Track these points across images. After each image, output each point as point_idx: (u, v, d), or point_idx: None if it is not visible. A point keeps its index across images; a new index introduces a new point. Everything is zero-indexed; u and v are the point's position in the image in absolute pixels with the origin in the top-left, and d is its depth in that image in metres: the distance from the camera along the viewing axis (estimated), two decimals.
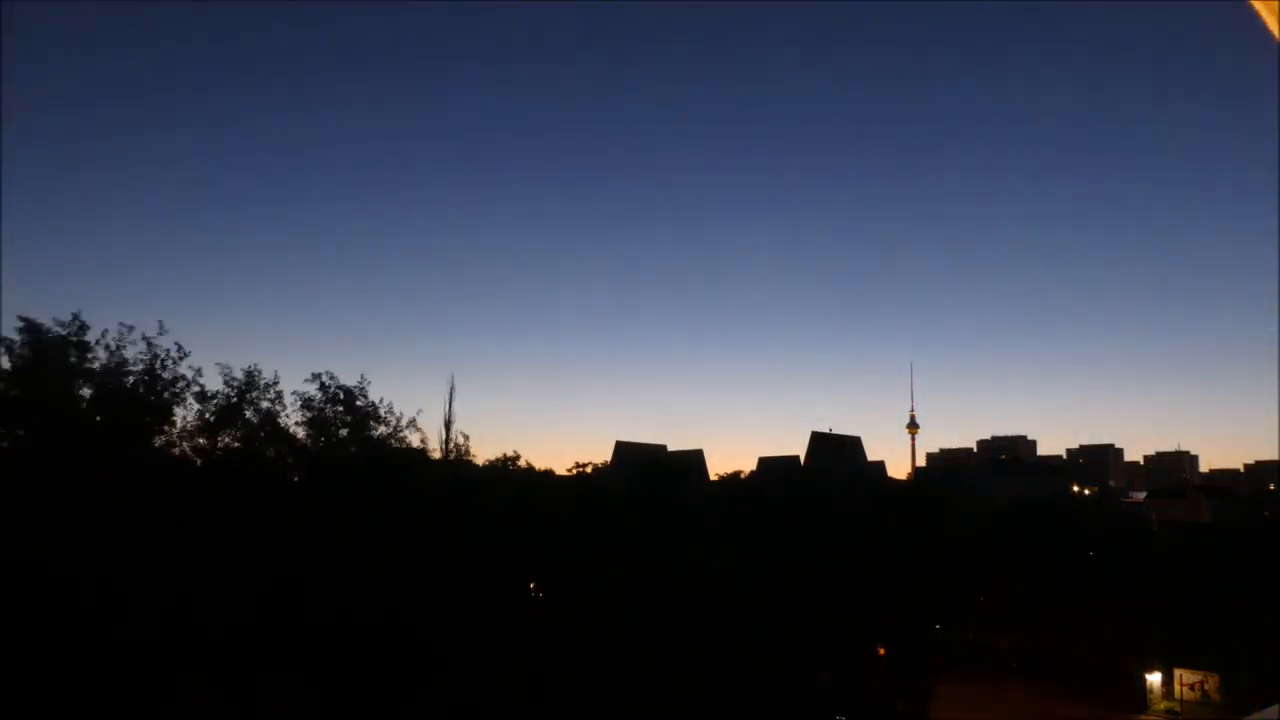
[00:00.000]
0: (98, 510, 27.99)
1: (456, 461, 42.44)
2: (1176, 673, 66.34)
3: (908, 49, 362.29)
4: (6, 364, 30.22)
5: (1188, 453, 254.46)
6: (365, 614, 32.02)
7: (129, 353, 31.42)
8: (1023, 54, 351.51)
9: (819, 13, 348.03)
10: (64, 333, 30.39)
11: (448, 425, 41.88)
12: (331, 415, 36.60)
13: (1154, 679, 65.95)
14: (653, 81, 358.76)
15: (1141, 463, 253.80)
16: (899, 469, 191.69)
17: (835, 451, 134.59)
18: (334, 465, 36.38)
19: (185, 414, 33.69)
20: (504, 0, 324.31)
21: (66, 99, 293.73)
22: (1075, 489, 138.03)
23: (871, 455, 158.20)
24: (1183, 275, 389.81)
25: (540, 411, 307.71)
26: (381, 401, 37.43)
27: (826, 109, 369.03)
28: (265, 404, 35.00)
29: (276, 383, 35.37)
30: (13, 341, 29.89)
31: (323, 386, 36.48)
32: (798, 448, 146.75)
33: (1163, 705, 65.38)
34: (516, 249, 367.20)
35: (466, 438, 42.18)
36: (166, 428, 33.41)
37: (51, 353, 30.07)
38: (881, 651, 55.40)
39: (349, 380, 37.32)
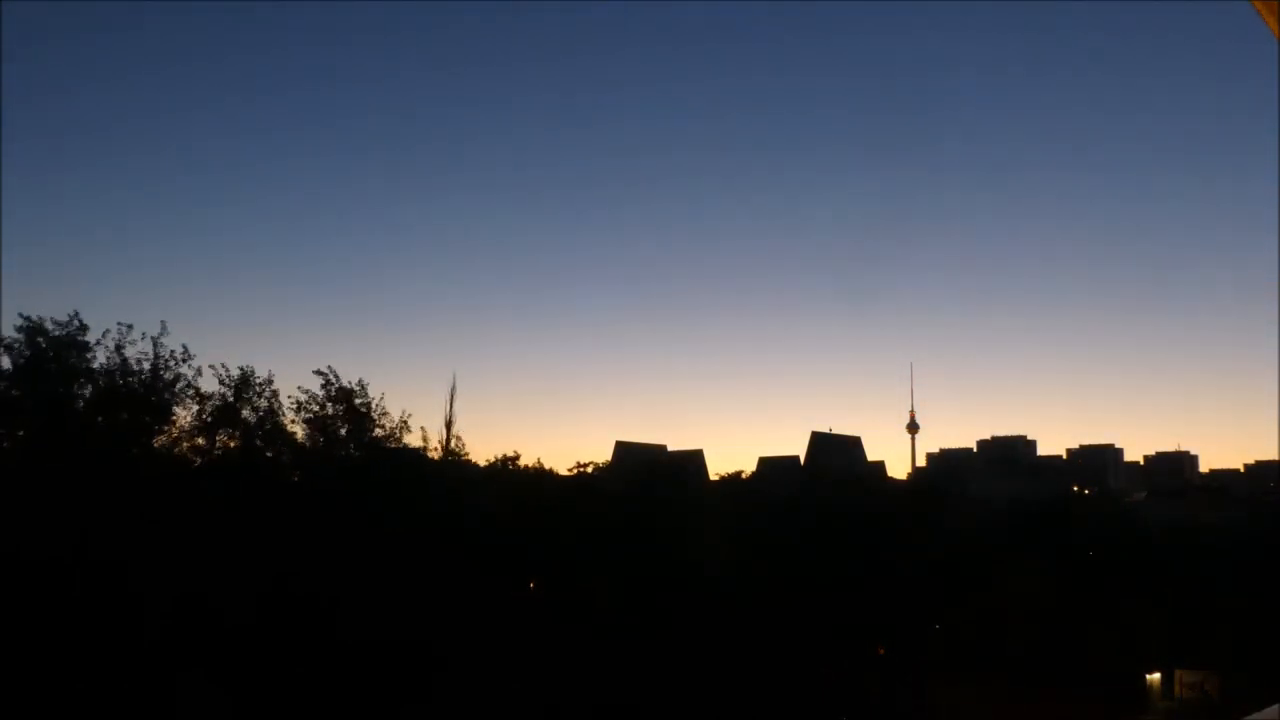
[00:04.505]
0: (97, 510, 27.99)
1: (456, 461, 42.46)
2: (1176, 673, 66.34)
3: (908, 47, 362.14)
4: (7, 364, 30.25)
5: (1188, 453, 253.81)
6: (365, 614, 32.03)
7: (130, 353, 31.46)
8: (1022, 53, 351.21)
9: (819, 9, 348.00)
10: (63, 332, 30.39)
11: (448, 425, 41.91)
12: (331, 415, 36.62)
13: (1154, 679, 65.98)
14: (653, 81, 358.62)
15: (1141, 463, 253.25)
16: (899, 469, 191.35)
17: (835, 451, 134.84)
18: (333, 465, 36.41)
19: (185, 414, 33.74)
20: (504, 0, 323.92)
21: (66, 97, 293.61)
22: (1075, 489, 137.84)
23: (871, 455, 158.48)
24: (1183, 275, 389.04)
25: (540, 411, 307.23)
26: (379, 401, 37.47)
27: (824, 107, 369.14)
28: (263, 403, 35.03)
29: (272, 382, 35.41)
30: (13, 341, 29.90)
31: (326, 383, 36.56)
32: (798, 448, 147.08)
33: (1162, 705, 65.42)
34: (517, 249, 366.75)
35: (459, 439, 42.14)
36: (166, 428, 33.44)
37: (51, 353, 30.07)
38: (881, 651, 55.42)
39: (349, 380, 37.36)
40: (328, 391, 36.38)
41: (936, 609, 58.17)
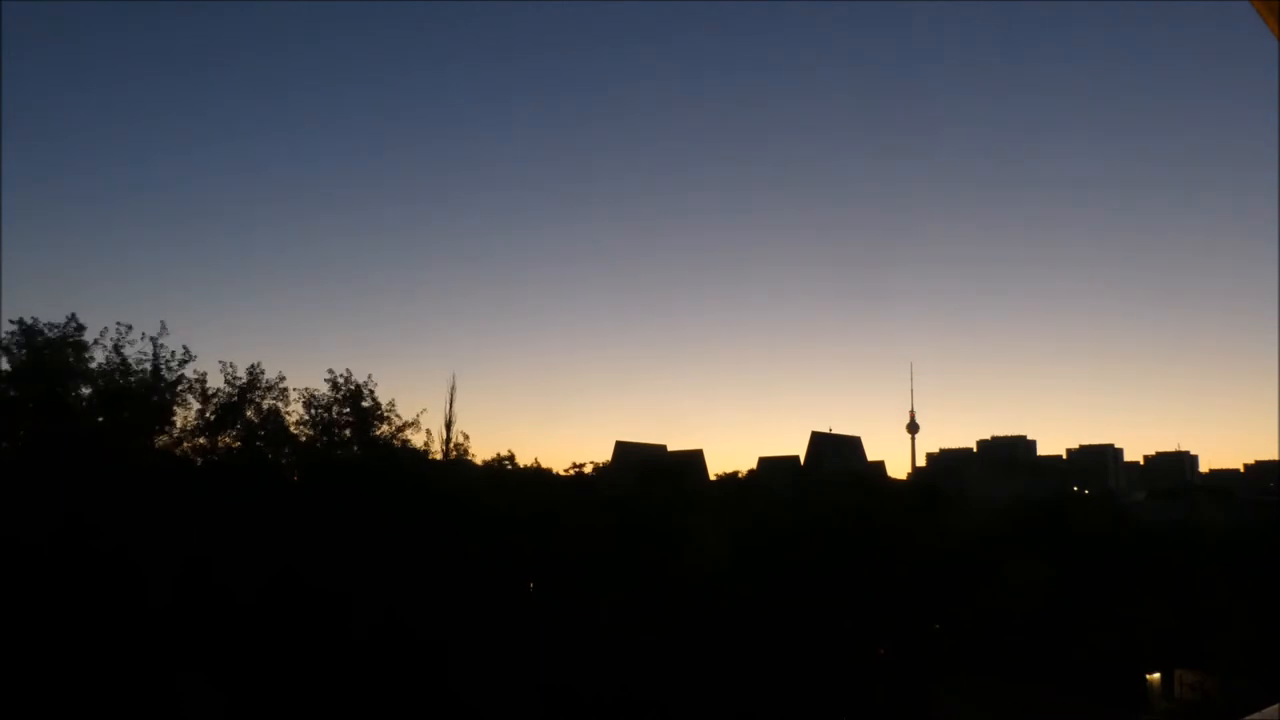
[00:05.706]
0: (98, 509, 28.01)
1: (457, 461, 42.55)
2: (1176, 673, 66.31)
3: (907, 45, 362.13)
4: (5, 365, 30.27)
5: (1188, 453, 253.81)
6: (365, 613, 32.07)
7: (130, 352, 31.52)
8: (1023, 52, 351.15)
9: (817, 7, 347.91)
10: (59, 334, 30.38)
11: (449, 425, 42.01)
12: (336, 415, 36.69)
13: (1154, 679, 65.97)
14: (652, 80, 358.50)
15: (1141, 463, 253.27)
16: (899, 469, 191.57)
17: (835, 451, 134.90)
18: (336, 465, 36.46)
19: (187, 414, 33.78)
20: None
21: (66, 96, 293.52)
22: (1075, 489, 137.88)
23: (871, 455, 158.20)
24: (1182, 275, 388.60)
25: (540, 411, 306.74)
26: (384, 401, 37.55)
27: (824, 106, 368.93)
28: (268, 403, 35.10)
29: (282, 380, 35.48)
30: (10, 342, 29.91)
31: (335, 385, 36.65)
32: (798, 448, 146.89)
33: (1162, 705, 65.40)
34: (517, 248, 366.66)
35: (466, 437, 42.34)
36: (167, 428, 33.46)
37: (49, 354, 30.09)
38: (881, 651, 55.43)
39: (358, 380, 37.46)
40: (337, 393, 36.50)
41: (936, 609, 58.21)
